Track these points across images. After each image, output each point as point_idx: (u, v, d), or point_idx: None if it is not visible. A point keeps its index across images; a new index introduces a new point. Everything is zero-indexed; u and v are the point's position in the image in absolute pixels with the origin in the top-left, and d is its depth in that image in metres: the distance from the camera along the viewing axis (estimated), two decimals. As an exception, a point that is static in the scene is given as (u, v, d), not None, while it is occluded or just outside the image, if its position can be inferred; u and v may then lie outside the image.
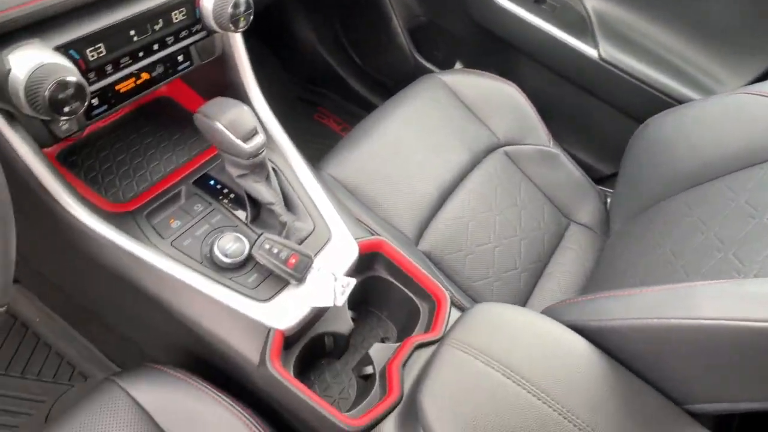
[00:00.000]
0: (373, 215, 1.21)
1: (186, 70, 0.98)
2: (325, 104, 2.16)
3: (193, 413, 0.78)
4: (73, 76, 0.70)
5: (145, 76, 0.91)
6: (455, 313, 1.01)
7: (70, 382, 1.30)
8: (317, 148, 1.97)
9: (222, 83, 1.07)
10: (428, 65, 1.92)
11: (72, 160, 1.00)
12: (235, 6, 0.89)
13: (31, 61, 0.68)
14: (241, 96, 1.07)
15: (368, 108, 2.12)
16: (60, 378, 1.31)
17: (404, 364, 0.90)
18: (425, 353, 0.92)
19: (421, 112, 1.47)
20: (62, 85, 0.69)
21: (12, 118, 0.76)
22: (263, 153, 0.92)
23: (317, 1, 1.98)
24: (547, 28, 1.58)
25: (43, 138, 0.80)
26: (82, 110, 0.73)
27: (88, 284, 1.04)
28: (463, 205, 1.35)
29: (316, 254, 0.96)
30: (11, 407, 1.26)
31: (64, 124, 0.81)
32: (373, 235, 1.08)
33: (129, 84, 0.89)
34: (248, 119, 0.90)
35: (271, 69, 2.14)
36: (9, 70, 0.68)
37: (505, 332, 0.85)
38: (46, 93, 0.68)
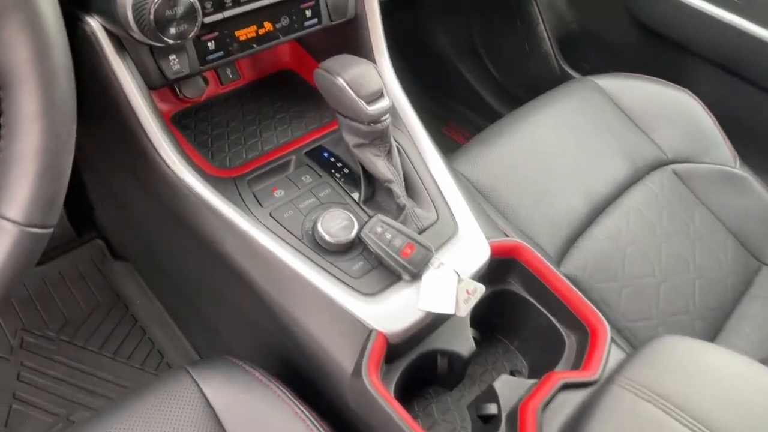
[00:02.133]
0: (508, 223, 1.00)
1: (313, 28, 0.87)
2: (455, 118, 2.00)
3: (261, 418, 0.62)
4: (184, -8, 0.61)
5: (268, 26, 0.81)
6: (615, 352, 0.76)
7: (156, 371, 1.22)
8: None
9: (351, 50, 0.95)
10: (576, 75, 1.70)
11: (185, 123, 0.92)
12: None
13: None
14: (370, 59, 0.94)
15: (502, 123, 1.93)
16: (148, 365, 1.24)
17: (545, 407, 0.66)
18: (575, 397, 0.68)
19: (571, 115, 1.25)
20: (171, 0, 0.59)
21: (122, 47, 0.68)
22: (387, 120, 0.76)
23: (453, 4, 1.85)
24: (742, 25, 1.29)
25: (152, 76, 0.72)
26: (191, 34, 0.63)
27: (180, 256, 0.95)
28: (619, 225, 1.09)
29: (437, 249, 0.77)
30: (96, 388, 1.20)
31: (174, 63, 0.73)
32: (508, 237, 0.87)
33: (250, 32, 0.79)
34: (374, 78, 0.75)
35: (399, 75, 2.05)
36: (118, -19, 0.60)
37: (704, 379, 0.59)
38: (152, 6, 0.58)
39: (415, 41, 1.98)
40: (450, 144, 1.92)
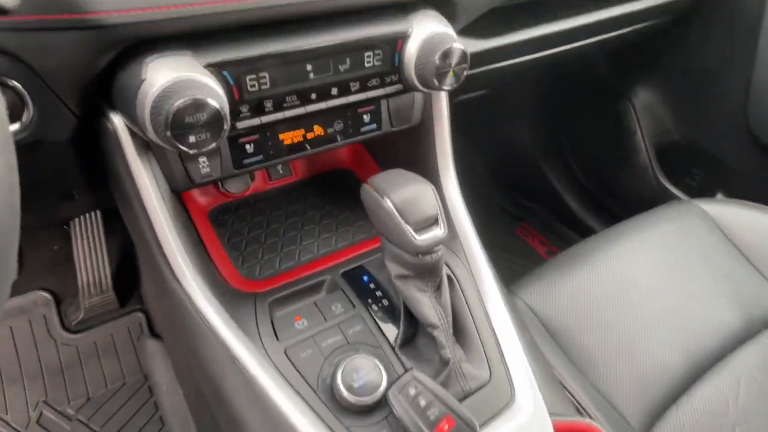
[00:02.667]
0: (581, 380, 0.81)
1: (371, 134, 0.77)
2: (531, 220, 1.84)
3: None
4: (214, 99, 0.53)
5: (318, 130, 0.72)
6: None
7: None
8: (513, 268, 1.63)
9: (413, 160, 0.84)
10: (677, 192, 1.50)
11: (223, 219, 0.84)
12: (446, 55, 0.67)
13: (170, 73, 0.52)
14: (432, 177, 0.82)
15: (584, 233, 1.74)
16: (157, 463, 1.13)
17: None
18: None
19: (670, 246, 1.05)
20: (194, 105, 0.51)
21: (146, 146, 0.61)
22: (439, 253, 0.63)
23: (537, 96, 1.73)
24: None
25: (177, 179, 0.64)
26: (212, 146, 0.54)
27: (192, 362, 0.85)
28: (725, 394, 0.87)
29: (484, 424, 0.61)
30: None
31: (204, 166, 0.65)
32: (580, 413, 0.68)
33: (296, 136, 0.70)
34: (429, 202, 0.63)
35: (473, 169, 1.93)
36: (143, 80, 0.53)
37: None
38: (172, 109, 0.51)
39: (493, 134, 1.87)
40: (524, 249, 1.75)
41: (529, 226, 1.82)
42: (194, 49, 0.56)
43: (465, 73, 0.69)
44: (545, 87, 1.67)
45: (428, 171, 0.83)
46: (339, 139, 0.74)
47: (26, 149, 0.60)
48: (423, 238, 0.61)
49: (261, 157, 0.68)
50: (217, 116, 0.53)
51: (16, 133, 0.57)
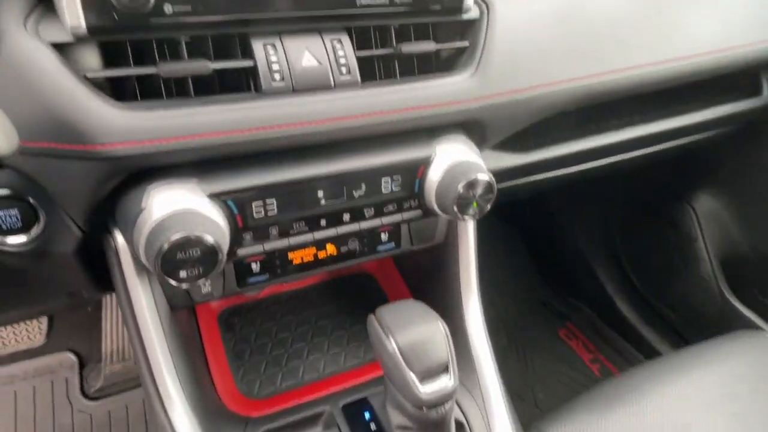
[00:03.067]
0: None
1: (389, 252, 0.73)
2: (578, 321, 1.71)
3: None
4: (211, 235, 0.50)
5: (331, 249, 0.68)
6: None
7: None
8: (555, 376, 1.51)
9: (436, 275, 0.79)
10: (745, 312, 1.35)
11: (231, 322, 0.81)
12: (470, 185, 0.62)
13: (169, 205, 0.51)
14: (453, 301, 0.76)
15: (636, 342, 1.59)
16: None
17: None
18: None
19: (737, 389, 0.92)
20: (188, 242, 0.49)
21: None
22: (448, 407, 0.56)
23: (592, 195, 1.64)
24: None
25: (177, 297, 0.62)
26: (202, 279, 0.51)
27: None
28: None
29: None
30: None
31: (205, 285, 0.62)
32: None
33: (307, 255, 0.67)
34: (439, 347, 0.57)
35: (518, 260, 1.83)
36: (142, 209, 0.51)
37: None
38: (164, 246, 0.48)
39: (547, 229, 1.78)
40: (566, 354, 1.62)
41: (575, 328, 1.69)
42: (200, 176, 0.54)
43: (489, 205, 0.64)
44: (597, 186, 1.59)
45: (450, 292, 0.77)
46: (354, 257, 0.70)
47: (33, 257, 0.59)
48: (429, 391, 0.55)
49: (267, 275, 0.65)
50: (211, 252, 0.50)
51: (25, 243, 0.57)
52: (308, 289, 0.89)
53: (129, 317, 0.59)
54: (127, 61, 0.53)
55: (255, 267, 0.64)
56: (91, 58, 0.54)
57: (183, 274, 0.50)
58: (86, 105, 0.48)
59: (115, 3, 0.48)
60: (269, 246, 0.59)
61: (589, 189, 1.61)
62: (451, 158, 0.64)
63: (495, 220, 1.48)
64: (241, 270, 0.64)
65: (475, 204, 0.63)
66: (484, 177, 0.63)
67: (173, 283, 0.50)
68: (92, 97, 0.49)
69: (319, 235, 0.62)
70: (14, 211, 0.56)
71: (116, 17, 0.49)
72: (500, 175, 0.81)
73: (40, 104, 0.48)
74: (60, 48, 0.50)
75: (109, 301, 1.32)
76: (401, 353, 0.55)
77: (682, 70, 0.82)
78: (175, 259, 0.49)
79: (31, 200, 0.55)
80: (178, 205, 0.51)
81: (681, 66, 0.82)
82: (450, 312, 0.76)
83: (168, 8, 0.51)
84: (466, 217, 0.63)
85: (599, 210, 1.67)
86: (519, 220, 1.81)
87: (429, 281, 0.81)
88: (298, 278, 0.68)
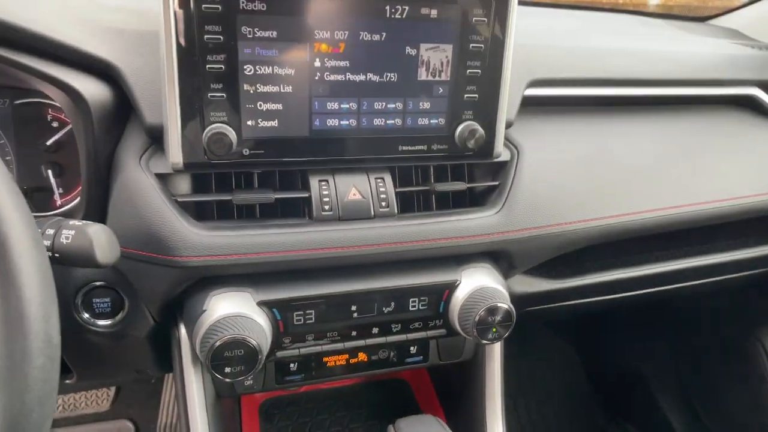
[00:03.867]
0: None
1: (416, 365, 0.79)
2: (632, 451, 1.61)
3: None
4: (255, 338, 0.60)
5: (362, 356, 0.76)
6: None
7: None
8: None
9: (464, 392, 0.83)
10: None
11: (272, 414, 0.88)
12: (490, 312, 0.69)
13: (223, 310, 0.62)
14: (478, 422, 0.80)
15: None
16: None
17: None
18: None
19: None
20: (234, 343, 0.59)
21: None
22: None
23: (656, 322, 1.60)
24: None
25: (223, 387, 0.71)
26: (246, 376, 0.60)
27: None
28: None
29: None
30: None
31: (247, 380, 0.71)
32: None
33: (340, 359, 0.75)
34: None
35: (573, 378, 1.78)
36: (204, 311, 0.62)
37: None
38: (215, 344, 0.58)
39: (599, 343, 1.74)
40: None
41: (628, 459, 1.59)
42: (252, 286, 0.65)
43: (509, 331, 0.70)
44: (662, 309, 1.55)
45: (476, 412, 0.81)
46: (384, 366, 0.77)
47: (114, 338, 0.72)
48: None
49: (303, 376, 0.73)
50: (253, 353, 0.60)
51: (110, 325, 0.70)
52: (345, 389, 0.95)
53: (180, 398, 0.69)
54: (210, 188, 0.67)
55: (292, 367, 0.73)
56: (182, 184, 0.68)
57: (228, 369, 0.59)
58: (174, 224, 0.61)
59: (206, 147, 0.63)
60: (305, 350, 0.68)
61: (652, 311, 1.58)
62: (475, 284, 0.71)
63: (550, 332, 1.48)
64: (281, 368, 0.72)
65: (494, 329, 0.69)
66: (504, 305, 0.69)
67: (218, 376, 0.60)
68: (179, 217, 0.62)
69: (350, 344, 0.70)
70: (107, 299, 0.69)
71: (206, 158, 0.63)
72: (532, 299, 0.87)
73: (140, 220, 0.62)
74: (161, 177, 0.65)
75: (169, 379, 1.43)
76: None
77: (711, 212, 0.86)
78: (222, 356, 0.59)
79: (120, 291, 0.68)
80: (231, 310, 0.61)
81: (709, 209, 0.86)
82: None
83: (245, 151, 0.65)
84: (485, 341, 0.69)
85: (665, 333, 1.62)
86: (575, 333, 1.78)
87: (458, 396, 0.85)
88: (334, 379, 0.75)
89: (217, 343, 0.58)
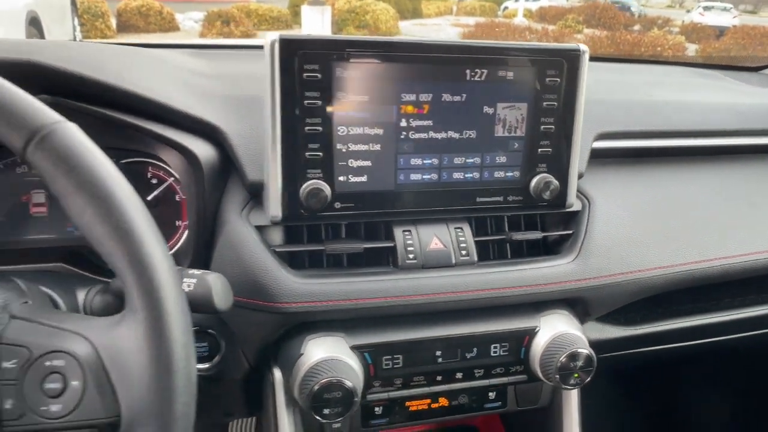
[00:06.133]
0: None
1: (495, 411, 0.80)
2: None
3: None
4: (351, 380, 0.63)
5: (443, 401, 0.77)
6: None
7: None
8: None
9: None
10: None
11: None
12: (573, 357, 0.70)
13: (320, 353, 0.65)
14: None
15: None
16: None
17: None
18: None
19: None
20: (333, 385, 0.62)
21: (292, 398, 0.73)
22: None
23: (723, 370, 1.54)
24: None
25: (312, 430, 0.74)
26: (341, 417, 0.63)
27: None
28: None
29: None
30: None
31: (335, 422, 0.74)
32: None
33: (422, 404, 0.77)
34: None
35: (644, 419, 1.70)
36: (301, 354, 0.66)
37: None
38: (315, 386, 0.62)
39: (666, 398, 1.68)
40: None
41: None
42: (345, 331, 0.69)
43: (590, 376, 0.71)
44: (737, 364, 1.49)
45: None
46: (463, 411, 0.78)
47: (209, 382, 0.76)
48: None
49: (387, 419, 0.75)
50: (349, 395, 0.63)
51: (207, 369, 0.74)
52: (417, 436, 0.96)
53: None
54: (301, 238, 0.72)
55: (377, 411, 0.75)
56: (275, 234, 0.73)
57: (326, 411, 0.62)
58: (275, 272, 0.66)
59: (303, 202, 0.68)
60: (393, 394, 0.71)
61: (722, 366, 1.53)
62: (554, 331, 0.73)
63: (617, 384, 1.44)
64: (367, 412, 0.75)
65: (576, 375, 0.70)
66: (585, 350, 0.70)
67: (318, 418, 0.63)
68: (279, 266, 0.67)
69: (434, 389, 0.72)
70: (205, 344, 0.74)
71: (302, 211, 0.69)
72: (605, 346, 0.87)
73: (244, 269, 0.67)
74: (258, 229, 0.70)
75: (235, 424, 1.45)
76: None
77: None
78: (321, 398, 0.62)
79: (216, 336, 0.73)
80: (327, 354, 0.65)
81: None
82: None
83: (337, 205, 0.70)
84: (567, 386, 0.70)
85: (735, 392, 1.56)
86: (642, 387, 1.72)
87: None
88: (412, 425, 0.77)
89: (316, 387, 0.61)
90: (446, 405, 0.77)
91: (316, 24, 9.92)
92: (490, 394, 0.79)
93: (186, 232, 0.84)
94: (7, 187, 0.78)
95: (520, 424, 0.91)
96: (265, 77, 0.65)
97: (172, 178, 0.80)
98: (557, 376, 0.70)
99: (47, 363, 0.43)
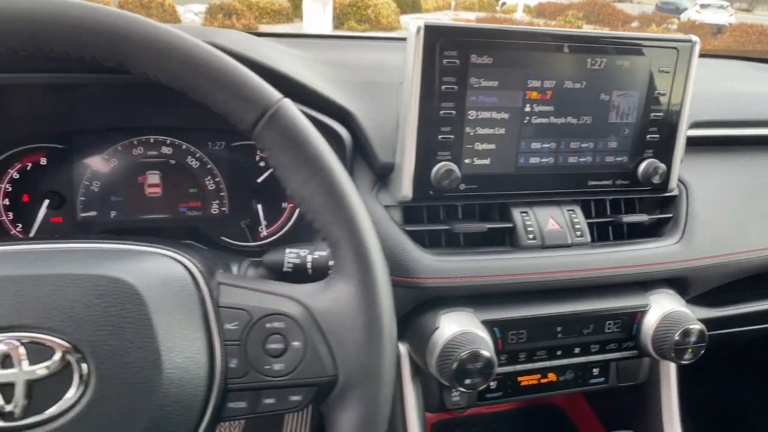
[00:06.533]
0: None
1: (596, 386, 0.83)
2: None
3: None
4: (488, 351, 0.66)
5: (551, 377, 0.81)
6: None
7: None
8: None
9: (638, 414, 0.87)
10: None
11: (444, 434, 0.93)
12: (686, 334, 0.73)
13: (456, 327, 0.68)
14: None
15: None
16: None
17: None
18: None
19: None
20: (474, 356, 0.65)
21: (417, 373, 0.76)
22: None
23: None
24: None
25: (433, 402, 0.77)
26: (480, 388, 0.66)
27: None
28: None
29: None
30: None
31: (455, 396, 0.77)
32: None
33: (532, 380, 0.80)
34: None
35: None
36: (436, 328, 0.69)
37: None
38: (458, 358, 0.65)
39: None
40: None
41: None
42: (475, 307, 0.72)
43: (702, 351, 0.75)
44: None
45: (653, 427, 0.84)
46: (567, 387, 0.82)
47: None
48: None
49: (501, 393, 0.79)
50: (489, 365, 0.66)
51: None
52: (502, 413, 1.00)
53: (399, 412, 0.74)
54: (422, 218, 0.75)
55: (493, 385, 0.78)
56: (396, 215, 0.76)
57: (468, 381, 0.65)
58: (411, 250, 0.69)
59: (434, 182, 0.71)
60: (519, 368, 0.74)
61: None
62: (664, 309, 0.76)
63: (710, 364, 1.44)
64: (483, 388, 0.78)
65: (690, 350, 0.74)
66: (697, 326, 0.74)
67: (461, 389, 0.66)
68: (412, 245, 0.70)
69: (555, 362, 0.75)
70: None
71: (431, 192, 0.72)
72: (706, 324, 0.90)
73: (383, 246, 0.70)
74: (386, 209, 0.73)
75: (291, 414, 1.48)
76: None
77: None
78: (465, 369, 0.65)
79: None
80: (464, 327, 0.68)
81: None
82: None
83: (462, 186, 0.73)
84: (683, 361, 0.74)
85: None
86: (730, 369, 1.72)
87: (628, 419, 0.89)
88: (503, 402, 0.80)
89: (463, 355, 0.64)
90: (554, 380, 0.81)
91: (317, 17, 9.88)
92: (594, 370, 0.82)
93: (295, 213, 0.87)
94: (123, 168, 0.81)
95: (606, 402, 0.94)
96: (406, 62, 0.67)
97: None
98: (672, 353, 0.73)
99: (267, 325, 0.46)
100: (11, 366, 0.38)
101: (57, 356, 0.38)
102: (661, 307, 0.77)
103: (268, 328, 0.46)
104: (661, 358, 0.75)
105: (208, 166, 0.84)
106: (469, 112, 0.71)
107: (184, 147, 0.83)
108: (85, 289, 0.40)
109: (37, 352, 0.38)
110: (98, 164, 0.80)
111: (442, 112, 0.69)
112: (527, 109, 0.73)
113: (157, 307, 0.42)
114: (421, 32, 0.66)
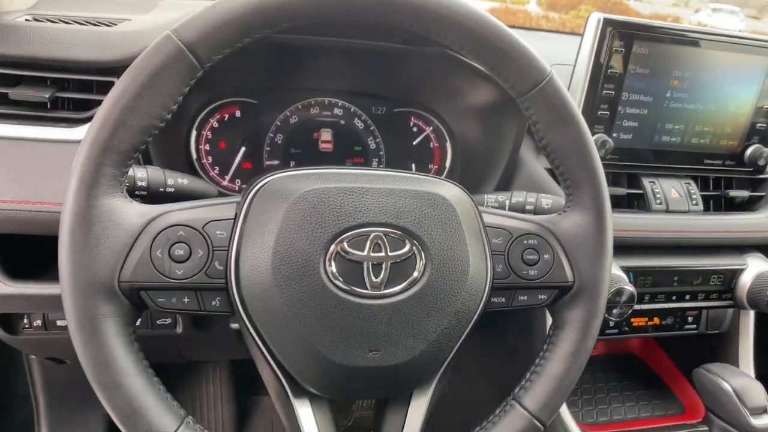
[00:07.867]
0: None
1: (688, 332, 1.00)
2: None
3: None
4: (630, 287, 0.82)
5: (656, 320, 0.97)
6: None
7: None
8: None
9: (701, 359, 1.04)
10: None
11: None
12: (778, 290, 0.90)
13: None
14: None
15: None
16: None
17: None
18: None
19: None
20: (620, 291, 0.81)
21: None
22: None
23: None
24: None
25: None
26: (626, 315, 0.82)
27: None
28: None
29: None
30: None
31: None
32: None
33: (641, 321, 0.96)
34: (759, 394, 0.82)
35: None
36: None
37: None
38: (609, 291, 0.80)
39: None
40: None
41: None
42: (615, 256, 0.87)
43: (789, 306, 0.91)
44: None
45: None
46: (666, 330, 0.98)
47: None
48: (759, 422, 0.79)
49: (617, 331, 0.95)
50: (632, 298, 0.81)
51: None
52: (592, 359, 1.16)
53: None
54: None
55: (611, 323, 0.94)
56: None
57: (615, 311, 0.81)
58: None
59: (587, 150, 0.85)
60: (645, 307, 0.90)
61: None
62: (758, 269, 0.93)
63: None
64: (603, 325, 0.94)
65: (780, 304, 0.91)
66: (787, 285, 0.90)
67: (611, 319, 0.82)
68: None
69: (671, 305, 0.92)
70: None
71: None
72: None
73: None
74: (540, 170, 0.88)
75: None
76: (735, 392, 0.81)
77: None
78: (614, 300, 0.81)
79: None
80: (615, 271, 0.83)
81: None
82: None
83: (607, 157, 0.88)
84: (774, 312, 0.91)
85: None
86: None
87: (701, 363, 1.06)
88: (631, 338, 0.97)
89: (611, 290, 0.80)
90: (657, 323, 0.97)
91: None
92: (689, 318, 0.99)
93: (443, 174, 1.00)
94: (302, 124, 0.93)
95: (679, 351, 1.11)
96: (582, 47, 0.82)
97: (431, 128, 0.96)
98: (765, 306, 0.90)
99: (525, 241, 0.60)
100: (380, 251, 0.52)
101: (407, 247, 0.53)
102: (756, 268, 0.93)
103: (525, 244, 0.60)
104: (752, 308, 0.92)
105: (371, 128, 0.96)
106: (624, 93, 0.85)
107: (352, 110, 0.94)
108: (421, 200, 0.54)
109: (395, 242, 0.52)
110: (282, 119, 0.91)
111: (604, 91, 0.84)
112: (668, 94, 0.88)
113: (462, 219, 0.56)
114: (601, 22, 0.80)
